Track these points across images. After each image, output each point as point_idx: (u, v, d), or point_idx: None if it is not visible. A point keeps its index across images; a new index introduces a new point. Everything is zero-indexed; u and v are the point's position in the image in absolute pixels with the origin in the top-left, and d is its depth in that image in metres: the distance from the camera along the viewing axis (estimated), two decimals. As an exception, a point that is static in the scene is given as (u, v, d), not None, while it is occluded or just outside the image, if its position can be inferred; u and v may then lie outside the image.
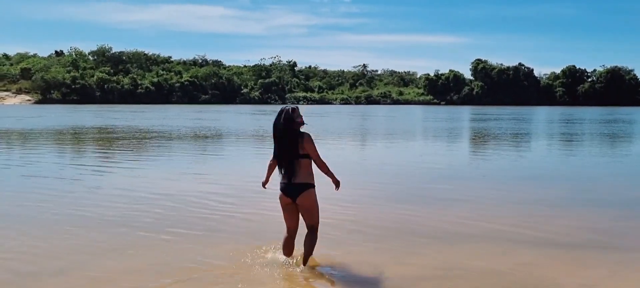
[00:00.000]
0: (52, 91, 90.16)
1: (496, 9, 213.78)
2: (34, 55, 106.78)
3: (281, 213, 5.67)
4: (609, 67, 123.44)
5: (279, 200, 5.56)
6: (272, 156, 5.60)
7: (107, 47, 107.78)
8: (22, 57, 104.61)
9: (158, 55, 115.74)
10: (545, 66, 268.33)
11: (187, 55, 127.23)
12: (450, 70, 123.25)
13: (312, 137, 5.48)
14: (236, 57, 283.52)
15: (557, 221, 7.89)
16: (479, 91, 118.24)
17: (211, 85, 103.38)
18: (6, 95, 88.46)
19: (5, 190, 10.08)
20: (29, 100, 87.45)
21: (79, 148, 19.16)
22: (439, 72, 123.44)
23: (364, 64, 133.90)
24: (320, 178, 5.56)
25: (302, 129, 5.50)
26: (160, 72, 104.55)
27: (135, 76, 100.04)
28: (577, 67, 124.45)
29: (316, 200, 5.52)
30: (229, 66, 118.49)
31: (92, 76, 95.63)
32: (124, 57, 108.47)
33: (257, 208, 8.43)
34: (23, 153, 16.77)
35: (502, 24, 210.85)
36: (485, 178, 12.44)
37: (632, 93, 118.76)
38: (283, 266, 5.61)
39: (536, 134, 28.57)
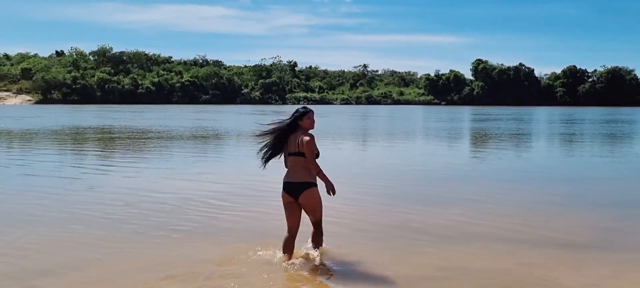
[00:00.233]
0: (52, 91, 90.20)
1: (496, 9, 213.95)
2: (35, 56, 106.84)
3: (280, 213, 5.67)
4: (609, 67, 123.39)
5: (281, 199, 5.63)
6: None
7: (107, 47, 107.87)
8: (23, 57, 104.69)
9: (158, 56, 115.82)
10: (545, 66, 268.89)
11: (188, 55, 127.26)
12: (450, 71, 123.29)
13: (314, 139, 5.49)
14: (237, 57, 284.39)
15: (557, 221, 7.88)
16: (479, 91, 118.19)
17: (212, 85, 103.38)
18: (7, 96, 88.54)
19: (2, 189, 10.08)
20: (30, 100, 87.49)
21: (78, 148, 19.15)
22: (440, 72, 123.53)
23: (364, 64, 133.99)
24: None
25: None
26: (161, 72, 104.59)
27: (135, 76, 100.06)
28: (578, 68, 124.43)
29: (319, 198, 5.56)
30: (230, 66, 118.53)
31: (93, 76, 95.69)
32: (125, 57, 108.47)
33: (257, 208, 8.43)
34: (22, 154, 16.76)
35: (502, 24, 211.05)
36: (485, 178, 12.43)
37: (633, 93, 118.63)
38: (283, 266, 5.60)
39: (536, 134, 28.56)
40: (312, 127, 5.59)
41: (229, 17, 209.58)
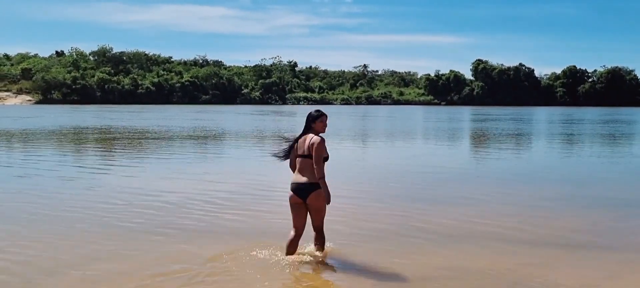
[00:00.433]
0: (52, 91, 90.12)
1: (496, 9, 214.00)
2: (35, 56, 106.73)
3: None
4: (609, 67, 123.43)
5: (288, 200, 5.67)
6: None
7: (107, 48, 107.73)
8: (23, 58, 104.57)
9: (158, 56, 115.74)
10: (545, 66, 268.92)
11: (188, 55, 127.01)
12: (450, 71, 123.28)
13: (325, 143, 5.52)
14: (237, 58, 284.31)
15: (557, 221, 7.89)
16: (479, 91, 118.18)
17: (212, 85, 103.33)
18: (7, 96, 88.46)
19: (2, 189, 10.08)
20: (30, 100, 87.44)
21: (78, 148, 19.16)
22: (440, 73, 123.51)
23: (364, 64, 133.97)
24: (328, 179, 5.53)
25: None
26: (161, 72, 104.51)
27: (135, 76, 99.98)
28: (578, 68, 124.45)
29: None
30: (230, 66, 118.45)
31: (93, 76, 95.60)
32: (125, 57, 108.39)
33: (257, 207, 8.43)
34: (22, 154, 16.77)
35: (502, 24, 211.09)
36: (485, 178, 12.44)
37: (633, 93, 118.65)
38: (285, 265, 5.60)
39: (536, 135, 28.56)
40: (324, 131, 5.64)
41: (229, 17, 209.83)
